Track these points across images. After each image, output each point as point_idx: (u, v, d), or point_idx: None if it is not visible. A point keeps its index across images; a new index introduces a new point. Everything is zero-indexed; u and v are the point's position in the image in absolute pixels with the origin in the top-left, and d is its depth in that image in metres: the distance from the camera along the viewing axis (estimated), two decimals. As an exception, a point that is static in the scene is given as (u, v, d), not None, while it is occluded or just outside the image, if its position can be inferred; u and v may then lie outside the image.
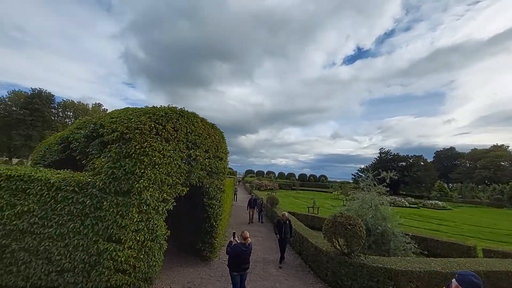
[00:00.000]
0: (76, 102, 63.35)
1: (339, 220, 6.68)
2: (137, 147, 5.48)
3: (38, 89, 55.19)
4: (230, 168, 46.82)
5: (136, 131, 5.60)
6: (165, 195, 6.03)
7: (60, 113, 61.22)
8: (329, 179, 65.17)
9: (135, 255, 5.29)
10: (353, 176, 59.47)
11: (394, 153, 66.23)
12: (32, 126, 52.34)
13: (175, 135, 6.39)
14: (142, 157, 5.48)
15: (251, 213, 15.51)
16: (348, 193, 14.58)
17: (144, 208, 5.48)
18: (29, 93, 53.94)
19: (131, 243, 5.23)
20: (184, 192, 6.67)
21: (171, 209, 6.22)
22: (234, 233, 6.03)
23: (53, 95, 56.61)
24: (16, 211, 5.01)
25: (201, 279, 6.65)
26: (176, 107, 6.84)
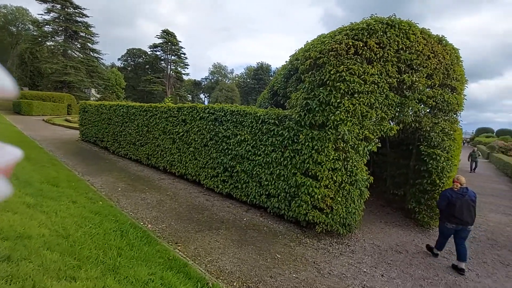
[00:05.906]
0: (285, 69, 78.57)
1: None
2: (331, 72, 4.52)
3: (261, 62, 72.96)
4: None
5: (330, 53, 4.62)
6: (367, 133, 4.77)
7: (276, 80, 79.63)
8: None
9: (332, 195, 4.68)
10: None
11: None
12: (258, 92, 71.44)
13: (381, 54, 4.73)
14: (338, 84, 4.47)
15: None
16: None
17: (341, 145, 4.59)
18: (256, 67, 72.24)
19: (327, 181, 4.64)
20: (393, 132, 5.04)
21: (375, 150, 4.91)
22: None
23: (269, 65, 73.84)
24: (237, 140, 5.96)
25: (415, 246, 5.02)
26: (383, 17, 5.02)
